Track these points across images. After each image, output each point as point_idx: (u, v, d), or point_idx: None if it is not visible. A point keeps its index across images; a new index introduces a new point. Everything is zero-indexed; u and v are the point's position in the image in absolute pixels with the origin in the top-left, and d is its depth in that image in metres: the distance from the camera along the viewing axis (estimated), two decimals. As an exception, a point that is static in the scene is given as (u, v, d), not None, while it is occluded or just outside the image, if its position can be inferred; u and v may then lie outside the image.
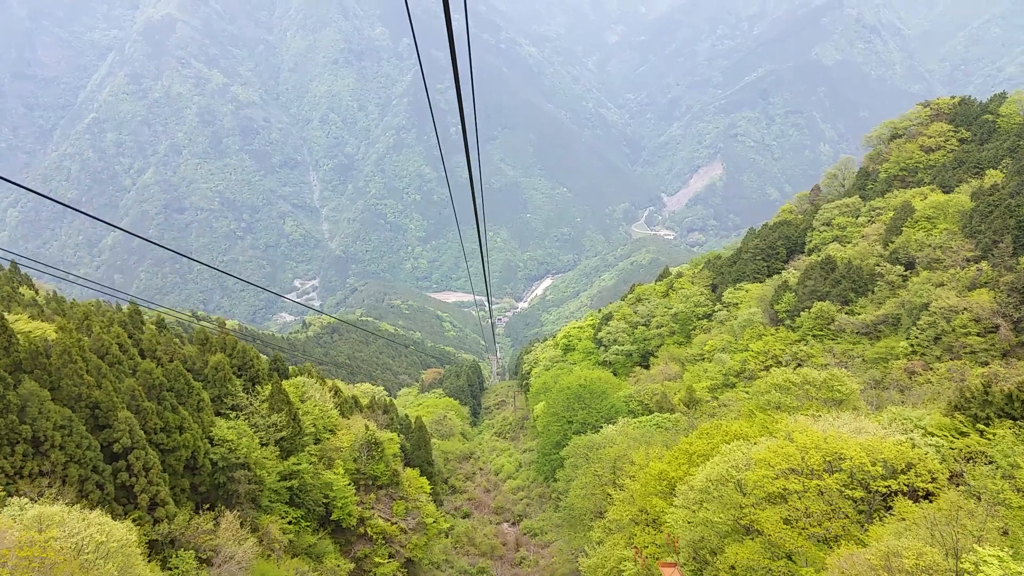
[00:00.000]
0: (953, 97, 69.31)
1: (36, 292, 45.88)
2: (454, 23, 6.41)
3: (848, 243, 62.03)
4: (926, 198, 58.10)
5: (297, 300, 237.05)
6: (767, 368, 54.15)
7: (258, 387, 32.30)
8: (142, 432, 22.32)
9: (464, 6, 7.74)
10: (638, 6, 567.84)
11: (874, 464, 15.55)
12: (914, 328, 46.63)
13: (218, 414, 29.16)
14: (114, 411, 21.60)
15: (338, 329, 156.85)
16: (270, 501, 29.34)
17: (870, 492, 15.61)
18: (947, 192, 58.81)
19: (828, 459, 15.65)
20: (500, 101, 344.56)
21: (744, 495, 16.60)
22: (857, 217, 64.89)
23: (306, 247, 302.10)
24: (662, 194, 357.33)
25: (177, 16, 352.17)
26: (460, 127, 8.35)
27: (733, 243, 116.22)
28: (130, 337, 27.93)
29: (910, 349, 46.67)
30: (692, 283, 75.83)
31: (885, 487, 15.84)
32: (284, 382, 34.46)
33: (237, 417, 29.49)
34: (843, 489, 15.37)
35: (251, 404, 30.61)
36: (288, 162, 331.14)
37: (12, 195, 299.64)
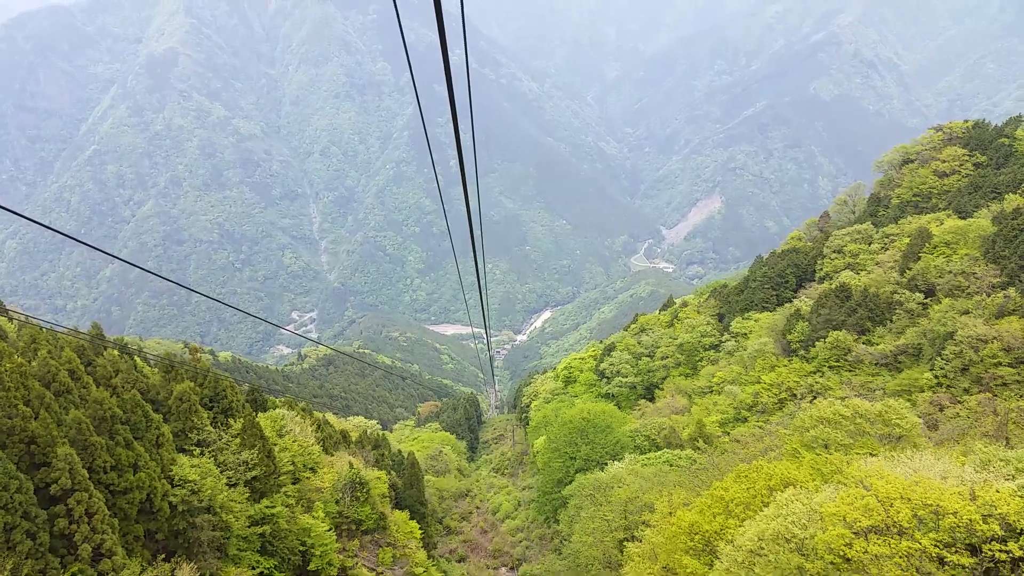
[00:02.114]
0: (966, 121, 67.40)
1: (11, 320, 43.17)
2: (453, 58, 6.41)
3: (862, 270, 59.45)
4: (943, 223, 55.73)
5: (294, 331, 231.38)
6: (781, 401, 51.32)
7: (231, 420, 29.29)
8: (85, 471, 19.42)
9: (464, 42, 7.72)
10: (636, 42, 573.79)
11: (987, 521, 12.32)
12: (939, 359, 43.86)
13: (181, 450, 26.13)
14: (52, 447, 18.76)
15: (334, 362, 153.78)
16: (238, 550, 26.06)
17: (981, 558, 12.23)
18: (964, 217, 56.43)
19: (921, 514, 12.60)
20: (500, 134, 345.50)
21: (809, 559, 13.46)
22: (870, 244, 62.40)
23: (305, 279, 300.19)
24: (661, 227, 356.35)
25: (180, 50, 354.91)
26: (458, 160, 8.12)
27: (738, 273, 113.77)
28: (88, 364, 25.09)
29: (935, 381, 43.82)
30: (698, 312, 73.12)
31: (1004, 552, 12.00)
32: (260, 415, 31.46)
33: (202, 454, 26.45)
34: (944, 553, 12.06)
35: (220, 439, 27.59)
36: (288, 194, 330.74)
37: (12, 226, 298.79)
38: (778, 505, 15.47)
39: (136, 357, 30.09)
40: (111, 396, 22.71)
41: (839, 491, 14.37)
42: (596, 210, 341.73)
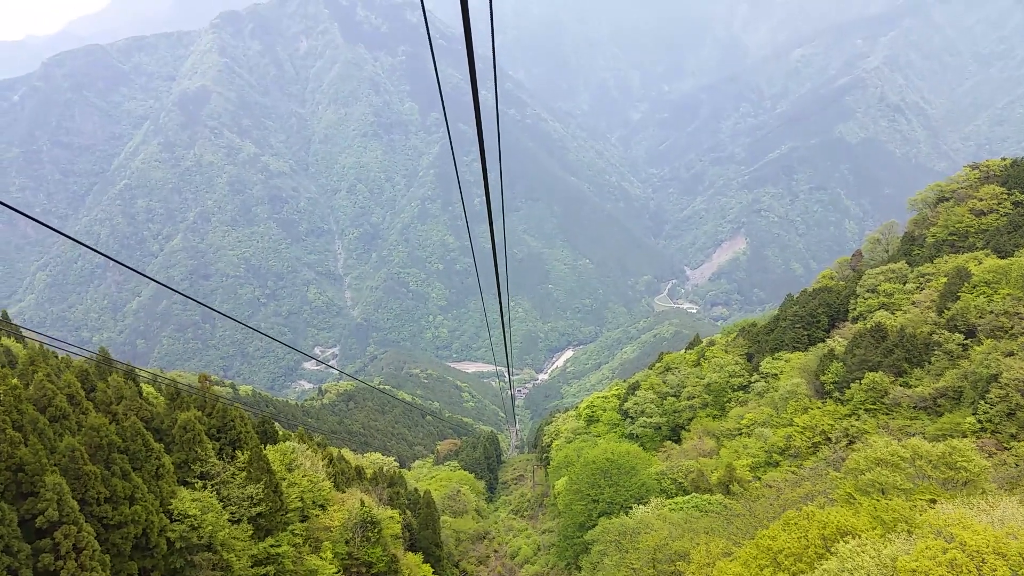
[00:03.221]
0: (1004, 159, 65.50)
1: (24, 346, 42.77)
2: (481, 99, 6.70)
3: (897, 310, 57.29)
4: (981, 263, 53.65)
5: (318, 358, 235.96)
6: (815, 445, 49.01)
7: (238, 452, 27.98)
8: (75, 503, 18.19)
9: (495, 84, 8.37)
10: (661, 85, 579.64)
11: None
12: (982, 402, 41.53)
13: (183, 483, 24.84)
14: (41, 475, 17.60)
15: (354, 397, 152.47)
16: (240, 590, 24.65)
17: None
18: (1004, 257, 54.28)
19: (1022, 573, 10.84)
20: (524, 173, 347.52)
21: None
22: (904, 283, 60.28)
23: (328, 315, 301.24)
24: (685, 267, 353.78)
25: (212, 88, 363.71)
26: (484, 198, 8.49)
27: (765, 313, 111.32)
28: (91, 390, 24.05)
29: (979, 425, 41.43)
30: (726, 352, 70.98)
31: None
32: (269, 447, 30.13)
33: (205, 487, 25.12)
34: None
35: (224, 472, 26.27)
36: (315, 230, 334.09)
37: (42, 258, 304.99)
38: (841, 558, 13.59)
39: (144, 384, 29.05)
40: (110, 423, 21.57)
41: (916, 543, 12.56)
42: (619, 249, 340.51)
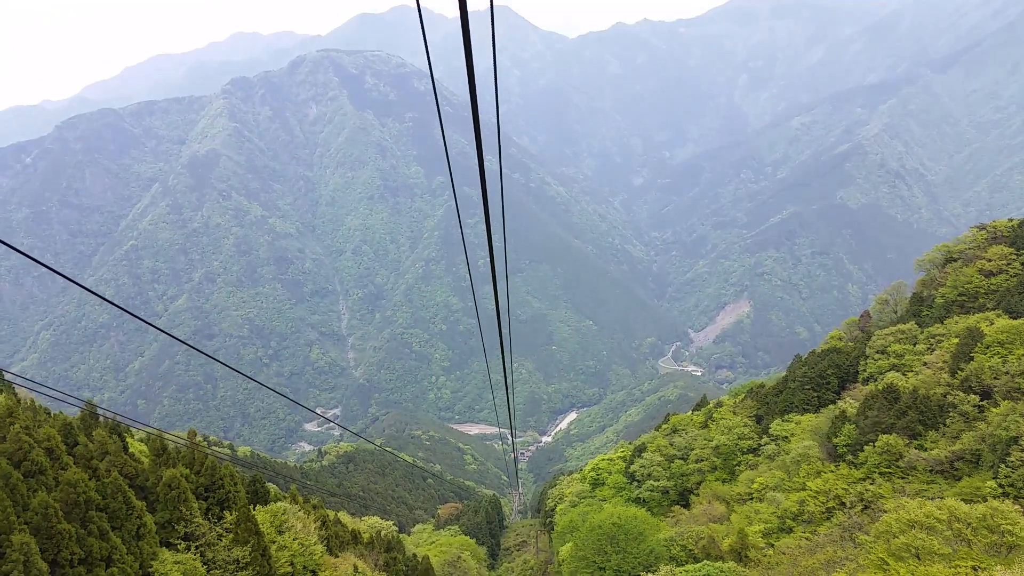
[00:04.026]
0: (1011, 220, 65.32)
1: (17, 401, 41.70)
2: (487, 163, 6.88)
3: (908, 371, 56.14)
4: (993, 323, 52.77)
5: (322, 415, 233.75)
6: (829, 510, 47.17)
7: (226, 512, 26.62)
8: (45, 564, 16.98)
9: (498, 149, 8.37)
10: (663, 152, 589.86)
11: None
12: (1003, 466, 40.03)
13: (166, 544, 23.46)
14: (8, 534, 16.45)
15: (354, 459, 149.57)
16: (223, 662, 23.06)
17: None
18: (1015, 317, 53.43)
19: None
20: (528, 235, 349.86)
21: None
22: (915, 344, 59.32)
23: (330, 375, 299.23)
24: (689, 330, 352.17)
25: (221, 151, 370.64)
26: (489, 259, 8.78)
27: (772, 376, 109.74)
28: (75, 445, 23.01)
29: (1000, 490, 39.81)
30: (734, 413, 69.41)
31: None
32: (259, 508, 28.75)
33: (188, 549, 23.75)
34: None
35: (210, 532, 24.91)
36: (319, 291, 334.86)
37: (46, 318, 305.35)
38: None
39: (133, 440, 27.95)
40: (90, 479, 20.45)
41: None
42: (623, 311, 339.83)
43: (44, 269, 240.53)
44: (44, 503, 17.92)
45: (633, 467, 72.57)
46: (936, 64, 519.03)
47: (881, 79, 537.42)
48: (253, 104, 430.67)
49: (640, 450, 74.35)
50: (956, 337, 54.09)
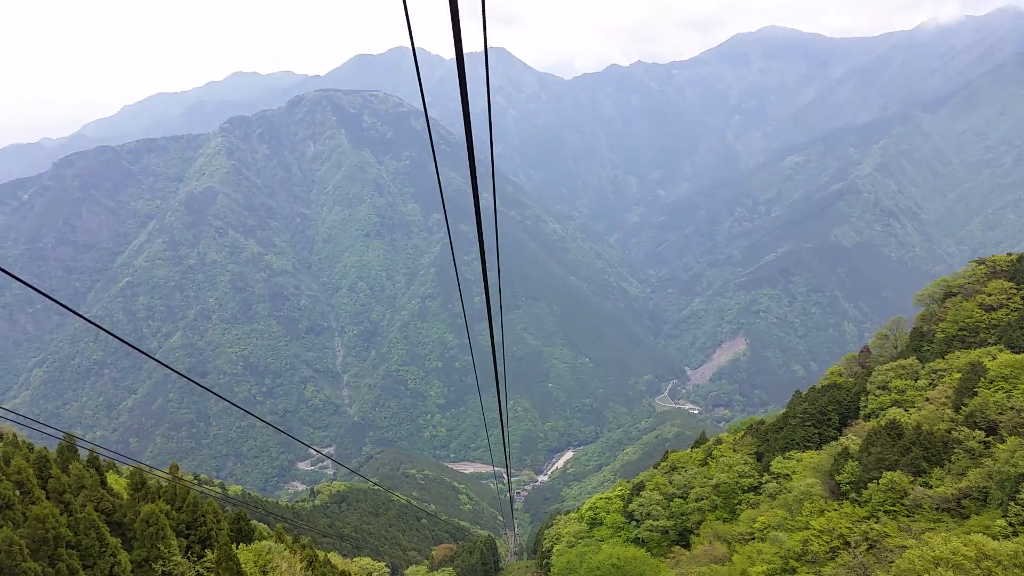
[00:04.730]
0: (1010, 254, 65.24)
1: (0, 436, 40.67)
2: (482, 201, 7.19)
3: (911, 407, 55.37)
4: (995, 358, 52.21)
5: (318, 450, 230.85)
6: (834, 550, 45.91)
7: (208, 551, 25.48)
8: (11, 604, 15.97)
9: (492, 187, 8.50)
10: (657, 190, 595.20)
11: None
12: (1012, 503, 39.04)
13: (144, 583, 22.45)
14: None
15: (347, 498, 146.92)
16: None
17: None
18: (1017, 352, 52.93)
19: None
20: (524, 273, 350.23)
21: None
22: (916, 379, 58.67)
23: (324, 413, 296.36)
24: (685, 367, 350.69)
25: (219, 189, 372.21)
26: (484, 296, 8.89)
27: (770, 414, 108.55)
28: (50, 478, 22.03)
29: (1010, 528, 38.74)
30: (734, 451, 68.24)
31: None
32: (243, 547, 27.59)
33: (167, 589, 22.64)
34: None
35: (189, 571, 23.79)
36: (314, 328, 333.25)
37: (40, 355, 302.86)
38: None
39: (114, 475, 26.90)
40: (62, 514, 19.44)
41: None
42: (619, 349, 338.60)
43: (39, 306, 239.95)
44: (8, 539, 16.88)
45: (632, 506, 71.13)
46: (927, 105, 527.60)
47: (873, 119, 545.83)
48: (251, 142, 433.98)
49: (639, 488, 72.96)
50: (958, 372, 53.52)
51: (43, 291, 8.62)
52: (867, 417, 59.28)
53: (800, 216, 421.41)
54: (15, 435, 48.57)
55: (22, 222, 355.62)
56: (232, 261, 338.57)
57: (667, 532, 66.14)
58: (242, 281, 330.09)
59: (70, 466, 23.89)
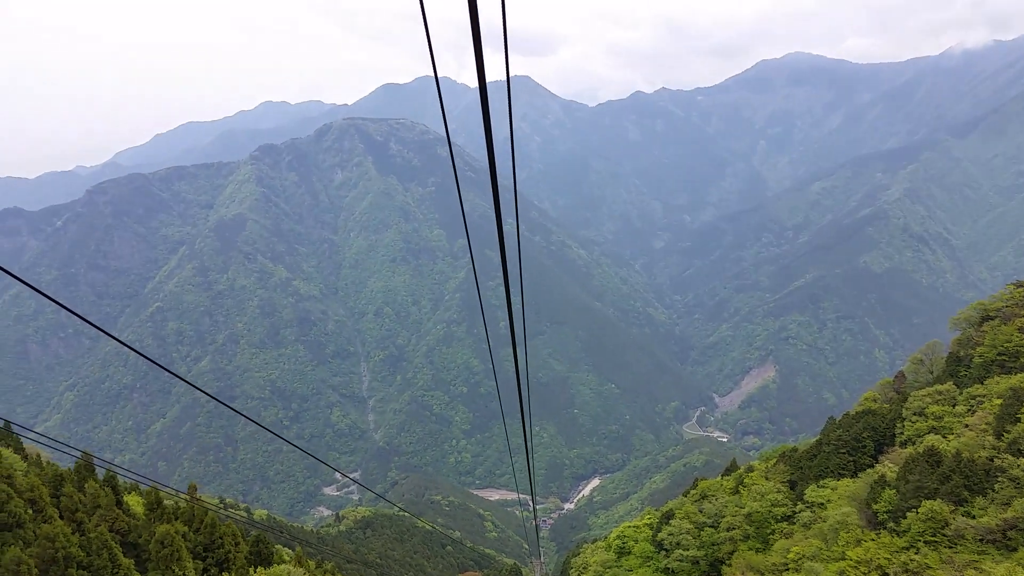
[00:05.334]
0: (1047, 277, 63.75)
1: (25, 457, 41.15)
2: (506, 227, 7.40)
3: (949, 434, 54.02)
4: (1036, 383, 50.83)
5: (346, 475, 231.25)
6: (873, 582, 44.65)
7: (225, 574, 25.29)
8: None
9: (516, 213, 8.60)
10: (683, 216, 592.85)
11: None
12: (1060, 535, 37.82)
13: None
14: None
15: (372, 524, 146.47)
16: None
17: None
18: (1059, 378, 51.51)
19: None
20: (549, 298, 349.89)
21: None
22: (954, 405, 57.31)
23: (350, 438, 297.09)
24: (714, 394, 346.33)
25: (248, 215, 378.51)
26: (508, 322, 8.71)
27: (801, 443, 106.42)
28: (67, 497, 22.09)
29: (1060, 563, 37.49)
30: (766, 478, 66.97)
31: None
32: (260, 570, 27.39)
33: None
34: None
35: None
36: (341, 352, 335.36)
37: (71, 379, 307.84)
38: None
39: (135, 496, 26.93)
40: (74, 533, 19.37)
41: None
42: (646, 375, 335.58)
43: (71, 330, 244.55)
44: (17, 558, 16.77)
45: (661, 535, 69.96)
46: (956, 129, 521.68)
47: (901, 144, 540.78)
48: (280, 170, 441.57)
49: (668, 517, 71.80)
50: (999, 398, 52.20)
51: (84, 316, 8.80)
52: (903, 444, 57.94)
53: (828, 242, 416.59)
54: (39, 455, 49.20)
55: (56, 247, 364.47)
56: (261, 286, 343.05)
57: (698, 562, 64.88)
58: (270, 306, 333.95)
59: (86, 485, 23.89)
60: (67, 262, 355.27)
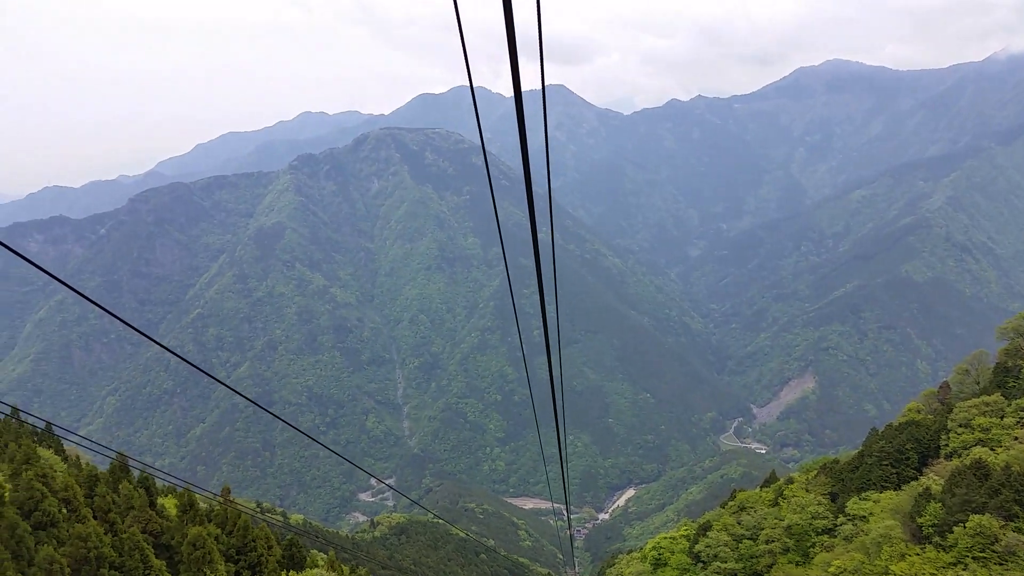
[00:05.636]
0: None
1: (65, 459, 42.41)
2: (540, 235, 7.06)
3: (997, 446, 52.69)
4: (1090, 396, 49.39)
5: (382, 480, 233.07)
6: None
7: None
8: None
9: (550, 221, 8.40)
10: (719, 224, 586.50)
11: None
12: (1115, 553, 36.67)
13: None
14: None
15: (407, 531, 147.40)
16: None
17: None
18: (1115, 391, 49.96)
19: None
20: (583, 306, 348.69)
21: None
22: (1002, 417, 55.85)
23: (385, 444, 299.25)
24: (752, 405, 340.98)
25: (287, 224, 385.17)
26: (543, 330, 8.87)
27: (842, 455, 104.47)
28: (100, 497, 22.66)
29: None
30: (806, 490, 65.94)
31: None
32: (293, 574, 27.71)
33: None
34: None
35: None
36: (376, 359, 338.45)
37: (113, 383, 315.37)
38: None
39: (171, 498, 27.49)
40: (106, 533, 19.81)
41: None
42: (682, 385, 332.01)
43: (113, 336, 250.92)
44: (49, 558, 17.17)
45: (698, 547, 69.27)
46: (1000, 136, 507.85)
47: (943, 152, 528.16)
48: (318, 179, 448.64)
49: (705, 528, 71.08)
50: (1049, 411, 50.80)
51: (130, 323, 9.22)
52: (949, 456, 56.63)
53: (869, 251, 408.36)
54: (78, 457, 50.58)
55: (99, 255, 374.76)
56: (298, 294, 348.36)
57: (735, 575, 64.06)
58: (308, 313, 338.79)
59: (120, 486, 24.38)
60: (110, 269, 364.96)
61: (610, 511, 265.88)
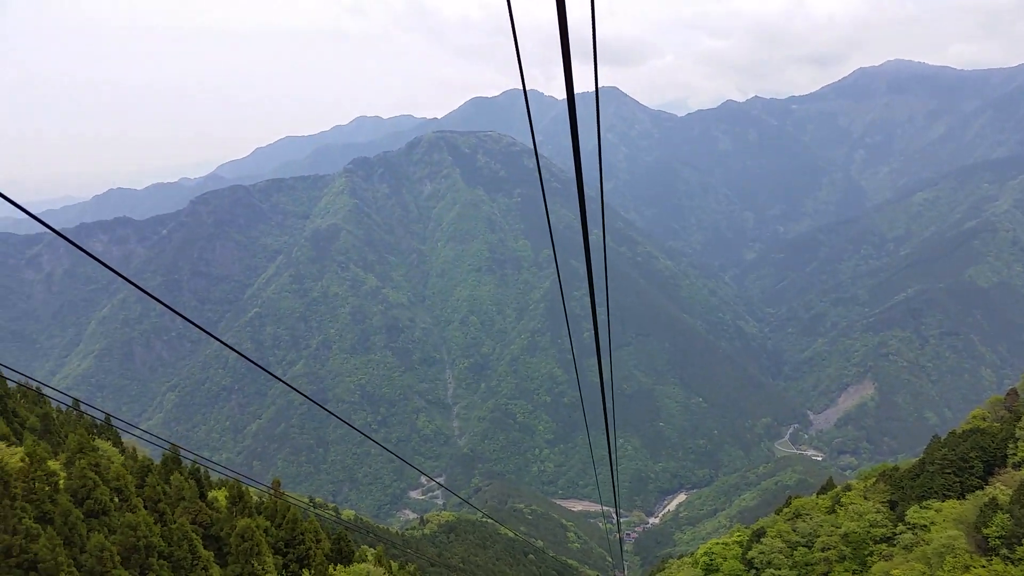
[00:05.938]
0: None
1: (122, 450, 43.97)
2: (592, 237, 7.07)
3: (1070, 458, 50.33)
4: None
5: (433, 479, 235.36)
6: (982, 610, 42.10)
7: (304, 570, 25.93)
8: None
9: (602, 224, 8.42)
10: (776, 226, 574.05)
11: None
12: None
13: (232, 599, 23.24)
14: (55, 575, 16.42)
15: (455, 529, 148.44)
16: None
17: None
18: None
19: None
20: (635, 309, 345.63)
21: None
22: (1076, 427, 53.30)
23: (435, 443, 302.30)
24: (808, 411, 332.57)
25: (342, 226, 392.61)
26: (593, 332, 8.83)
27: (901, 463, 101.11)
28: (151, 487, 23.31)
29: None
30: (865, 498, 64.06)
31: None
32: (340, 568, 28.00)
33: (256, 605, 23.29)
34: None
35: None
36: (427, 359, 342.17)
37: (172, 379, 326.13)
38: None
39: (221, 490, 28.13)
40: (156, 523, 20.32)
41: None
42: (735, 390, 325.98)
43: (173, 334, 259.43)
44: (100, 545, 17.65)
45: (751, 553, 67.94)
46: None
47: (1010, 154, 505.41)
48: (372, 182, 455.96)
49: (759, 535, 69.69)
50: None
51: (193, 321, 9.56)
52: (1016, 466, 54.36)
53: (931, 255, 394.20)
54: (135, 449, 52.33)
55: (161, 255, 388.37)
56: (352, 294, 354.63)
57: (790, 581, 62.64)
58: (361, 313, 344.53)
59: (171, 477, 24.99)
60: (171, 269, 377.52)
61: (660, 515, 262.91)
